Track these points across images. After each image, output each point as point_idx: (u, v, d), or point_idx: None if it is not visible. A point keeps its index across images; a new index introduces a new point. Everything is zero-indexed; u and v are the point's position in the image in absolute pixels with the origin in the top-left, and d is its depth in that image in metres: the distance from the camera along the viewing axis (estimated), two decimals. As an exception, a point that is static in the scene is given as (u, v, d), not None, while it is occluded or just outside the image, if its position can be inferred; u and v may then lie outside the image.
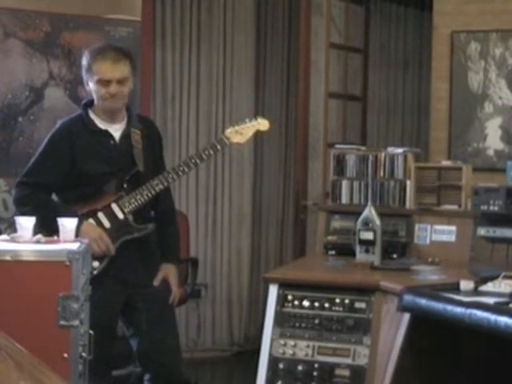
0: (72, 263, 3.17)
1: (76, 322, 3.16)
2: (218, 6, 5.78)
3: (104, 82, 3.35)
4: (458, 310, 2.77)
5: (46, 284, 3.13)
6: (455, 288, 3.06)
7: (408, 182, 4.18)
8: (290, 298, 3.39)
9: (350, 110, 5.90)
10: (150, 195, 3.36)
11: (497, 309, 2.71)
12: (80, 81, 5.52)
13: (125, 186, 3.37)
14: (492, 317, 2.63)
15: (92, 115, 3.43)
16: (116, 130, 3.43)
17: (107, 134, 3.41)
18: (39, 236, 3.47)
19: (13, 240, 3.41)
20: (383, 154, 4.26)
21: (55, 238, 3.18)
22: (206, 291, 5.69)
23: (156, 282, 3.46)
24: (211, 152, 3.44)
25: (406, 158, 4.20)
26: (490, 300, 2.85)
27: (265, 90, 6.05)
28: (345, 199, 4.33)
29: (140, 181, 3.38)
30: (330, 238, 4.19)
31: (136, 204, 3.36)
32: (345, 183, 4.33)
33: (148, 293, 3.43)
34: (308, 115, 5.27)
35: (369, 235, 3.70)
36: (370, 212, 3.73)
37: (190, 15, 5.70)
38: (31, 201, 3.34)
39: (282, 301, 3.39)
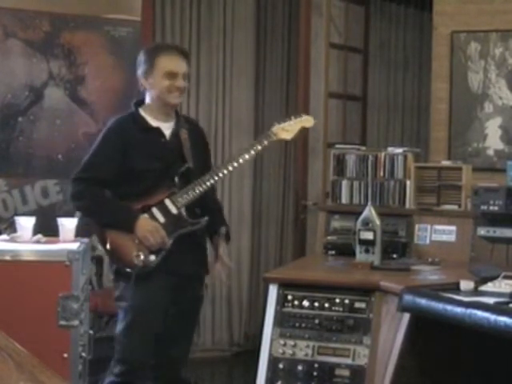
0: (72, 263, 3.17)
1: (76, 322, 3.17)
2: (218, 6, 5.78)
3: (171, 75, 3.40)
4: (458, 310, 2.77)
5: (46, 284, 3.14)
6: (455, 288, 3.06)
7: (408, 182, 4.18)
8: (289, 297, 3.39)
9: (350, 110, 5.90)
10: (201, 190, 3.41)
11: (497, 309, 2.70)
12: (80, 81, 5.56)
13: (176, 182, 3.42)
14: (492, 317, 2.63)
15: (143, 113, 3.48)
16: (166, 129, 3.48)
17: (159, 132, 3.46)
18: (39, 236, 3.48)
19: (13, 240, 3.42)
20: (383, 154, 4.26)
21: (108, 233, 3.33)
22: (206, 291, 5.68)
23: (225, 257, 3.55)
24: (259, 147, 3.50)
25: (405, 157, 4.20)
26: (490, 300, 2.85)
27: (265, 90, 6.05)
28: (345, 199, 4.33)
29: (190, 177, 3.44)
30: (329, 238, 4.19)
31: (188, 199, 3.41)
32: (345, 183, 4.33)
33: (192, 288, 3.50)
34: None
35: (369, 235, 3.70)
36: (369, 212, 3.73)
37: (190, 15, 5.70)
38: (86, 195, 3.38)
39: (281, 301, 3.39)
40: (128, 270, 3.33)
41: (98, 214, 3.41)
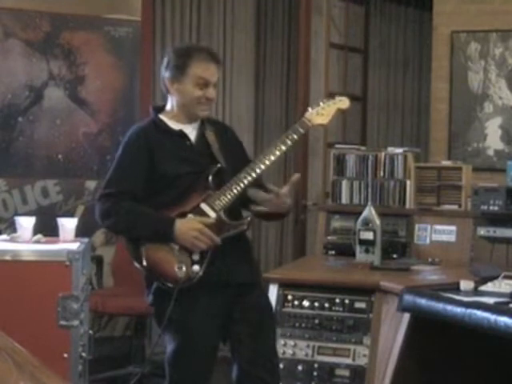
0: (72, 263, 3.17)
1: (76, 322, 3.16)
2: (218, 6, 5.78)
3: (202, 85, 3.10)
4: (458, 310, 2.77)
5: (46, 284, 3.13)
6: (455, 288, 3.06)
7: (408, 182, 4.18)
8: (289, 297, 3.39)
9: (350, 110, 5.88)
10: (239, 189, 3.09)
11: (497, 309, 2.71)
12: (80, 81, 5.56)
13: (210, 183, 3.11)
14: (492, 317, 2.63)
15: (164, 118, 3.18)
16: (190, 131, 3.19)
17: (182, 135, 3.16)
18: (39, 236, 3.48)
19: (13, 240, 3.42)
20: (383, 154, 4.26)
21: (142, 247, 3.01)
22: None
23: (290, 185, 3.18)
24: (295, 136, 3.18)
25: (405, 157, 4.20)
26: (490, 300, 2.85)
27: (265, 90, 6.05)
28: (345, 199, 4.33)
29: (223, 177, 3.13)
30: (329, 238, 4.19)
31: (226, 200, 3.09)
32: (345, 183, 4.33)
33: (250, 297, 3.14)
34: (308, 115, 5.27)
35: (369, 235, 3.70)
36: (369, 212, 3.73)
37: (190, 15, 5.70)
38: (115, 212, 3.05)
39: (281, 301, 3.39)
40: (170, 285, 3.00)
41: (131, 230, 3.08)
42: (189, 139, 3.18)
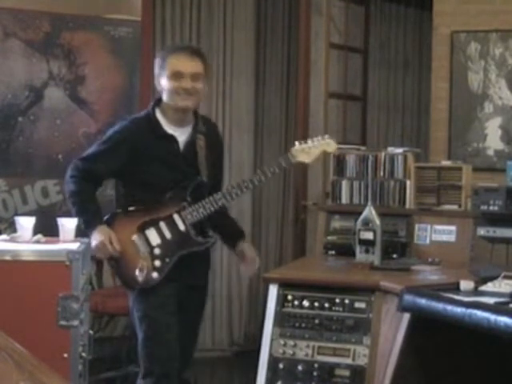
0: (72, 263, 3.17)
1: (76, 322, 3.16)
2: (218, 6, 5.79)
3: (177, 76, 3.29)
4: (458, 310, 2.77)
5: (46, 284, 3.13)
6: (455, 288, 3.06)
7: (408, 182, 4.18)
8: (289, 298, 3.39)
9: (350, 110, 5.90)
10: (212, 209, 3.31)
11: (497, 309, 2.71)
12: (80, 81, 5.56)
13: (188, 197, 3.32)
14: (492, 317, 2.63)
15: (159, 116, 3.38)
16: (181, 134, 3.37)
17: (173, 140, 3.35)
18: (39, 236, 3.48)
19: (13, 240, 3.42)
20: (383, 154, 4.26)
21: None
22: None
23: (251, 254, 3.59)
24: (276, 169, 3.36)
25: (405, 157, 4.20)
26: (490, 300, 2.85)
27: (265, 90, 6.06)
28: (345, 199, 4.33)
29: (203, 190, 3.34)
30: (329, 238, 4.19)
31: (198, 217, 3.31)
32: (345, 183, 4.33)
33: (198, 295, 3.46)
34: (308, 115, 5.27)
35: (369, 235, 3.70)
36: (369, 212, 3.73)
37: (190, 15, 5.70)
38: (73, 184, 3.35)
39: (281, 301, 3.39)
40: (128, 284, 3.34)
41: (72, 206, 3.38)
42: (178, 145, 3.36)
